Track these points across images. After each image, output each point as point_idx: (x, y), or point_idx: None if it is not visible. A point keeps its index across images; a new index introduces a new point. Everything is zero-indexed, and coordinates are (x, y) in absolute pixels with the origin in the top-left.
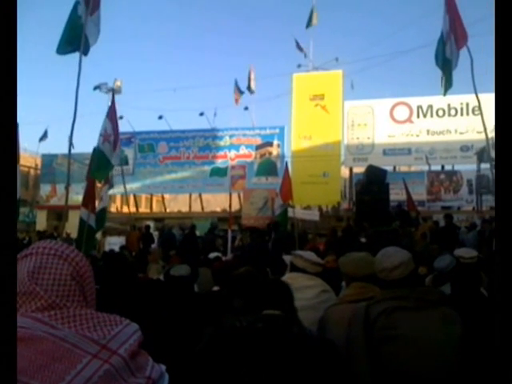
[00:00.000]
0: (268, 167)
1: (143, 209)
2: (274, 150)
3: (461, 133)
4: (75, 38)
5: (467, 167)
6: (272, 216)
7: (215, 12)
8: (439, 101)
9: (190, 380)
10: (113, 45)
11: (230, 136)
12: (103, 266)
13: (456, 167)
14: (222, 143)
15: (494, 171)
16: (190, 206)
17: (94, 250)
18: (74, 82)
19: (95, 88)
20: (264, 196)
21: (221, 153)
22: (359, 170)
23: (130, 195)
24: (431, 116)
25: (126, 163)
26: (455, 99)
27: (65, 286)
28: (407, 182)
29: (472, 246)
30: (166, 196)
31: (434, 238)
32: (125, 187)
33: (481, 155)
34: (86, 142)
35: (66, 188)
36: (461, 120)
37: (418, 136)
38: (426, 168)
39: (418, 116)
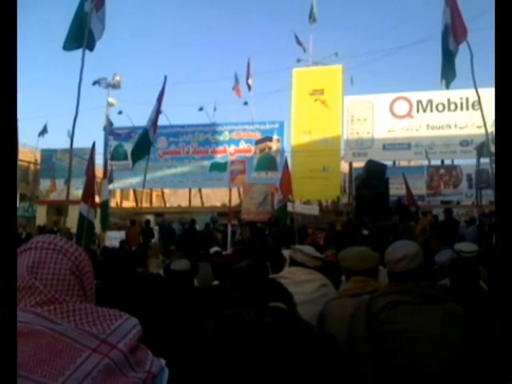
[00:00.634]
0: (268, 162)
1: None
2: (274, 145)
3: (460, 127)
4: (82, 35)
5: (467, 162)
6: (272, 211)
7: (215, 7)
8: (439, 95)
9: (192, 374)
10: (112, 40)
11: (230, 131)
12: (103, 260)
13: (456, 162)
14: (221, 138)
15: (493, 166)
16: (189, 201)
17: (94, 245)
18: (73, 77)
19: (94, 83)
20: (264, 191)
21: (220, 148)
22: (359, 164)
23: (130, 190)
24: (431, 111)
25: (126, 158)
26: (455, 94)
27: (64, 280)
28: (407, 177)
29: (472, 240)
30: (166, 191)
31: (433, 232)
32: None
33: (480, 150)
34: (85, 137)
35: (67, 183)
36: (460, 115)
37: (417, 131)
38: (425, 163)
39: (418, 111)
